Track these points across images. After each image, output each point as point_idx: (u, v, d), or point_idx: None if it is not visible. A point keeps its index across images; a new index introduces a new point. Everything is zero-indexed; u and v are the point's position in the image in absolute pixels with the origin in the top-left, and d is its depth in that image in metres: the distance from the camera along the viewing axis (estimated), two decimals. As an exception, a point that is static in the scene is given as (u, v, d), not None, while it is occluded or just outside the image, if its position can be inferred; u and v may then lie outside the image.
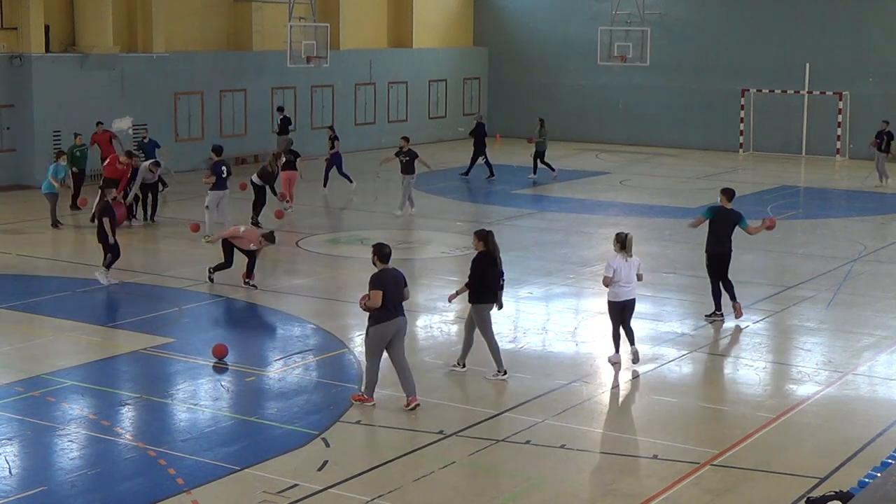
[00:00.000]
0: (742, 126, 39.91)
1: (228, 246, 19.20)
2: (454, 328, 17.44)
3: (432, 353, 15.96)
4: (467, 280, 14.56)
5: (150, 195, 25.33)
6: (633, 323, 15.41)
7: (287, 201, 26.71)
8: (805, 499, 10.74)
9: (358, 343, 16.34)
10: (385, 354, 13.40)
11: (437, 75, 42.83)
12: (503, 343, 16.85)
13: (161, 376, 14.76)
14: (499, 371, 14.67)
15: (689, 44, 40.97)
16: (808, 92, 38.91)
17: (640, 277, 15.21)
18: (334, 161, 29.95)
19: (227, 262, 19.29)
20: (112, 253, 19.40)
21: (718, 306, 17.58)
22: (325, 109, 38.37)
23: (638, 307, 15.55)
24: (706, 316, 17.73)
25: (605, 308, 15.38)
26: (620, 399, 14.22)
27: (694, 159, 38.10)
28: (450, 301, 15.18)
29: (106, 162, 25.24)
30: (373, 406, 13.46)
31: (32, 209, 26.74)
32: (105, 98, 31.69)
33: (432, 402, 13.75)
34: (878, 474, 10.47)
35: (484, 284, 14.34)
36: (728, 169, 35.86)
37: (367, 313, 13.18)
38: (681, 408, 13.75)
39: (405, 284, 13.37)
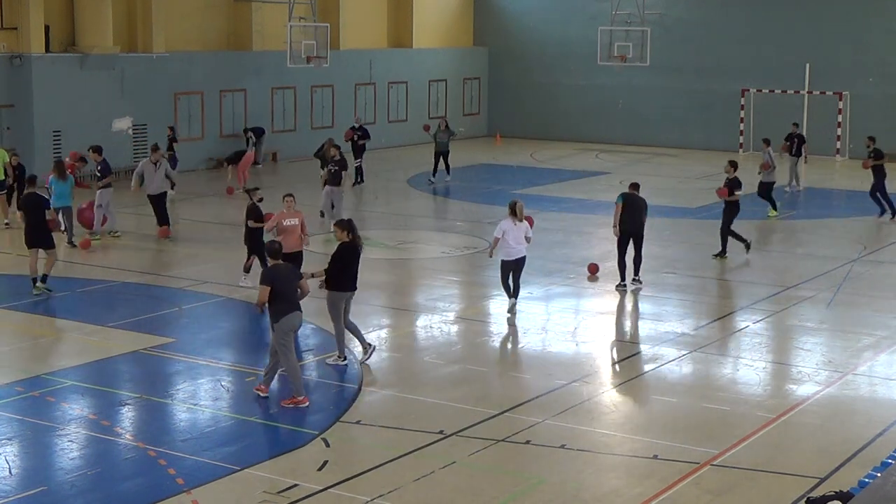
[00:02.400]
0: (742, 126, 39.91)
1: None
2: (454, 328, 17.44)
3: (432, 353, 15.96)
4: (327, 266, 14.81)
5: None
6: (635, 322, 15.45)
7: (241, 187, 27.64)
8: (805, 499, 10.74)
9: (358, 343, 16.35)
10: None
11: (437, 75, 42.84)
12: (503, 343, 16.86)
13: (161, 376, 14.76)
14: (339, 357, 15.04)
15: (689, 44, 40.97)
16: (808, 92, 38.91)
17: (528, 240, 17.32)
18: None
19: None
20: (257, 255, 18.65)
21: (624, 277, 19.37)
22: (325, 109, 38.37)
23: (638, 307, 15.61)
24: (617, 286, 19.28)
25: (605, 308, 15.47)
26: (620, 399, 14.22)
27: (694, 159, 38.09)
28: (311, 276, 15.01)
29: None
30: (307, 406, 13.41)
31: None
32: (105, 98, 31.69)
33: (432, 402, 13.75)
34: (878, 474, 10.47)
35: (344, 274, 14.66)
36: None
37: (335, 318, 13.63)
38: (681, 408, 13.75)
39: (299, 278, 13.66)
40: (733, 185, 21.44)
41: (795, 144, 30.83)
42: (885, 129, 37.90)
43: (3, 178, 25.10)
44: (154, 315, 17.78)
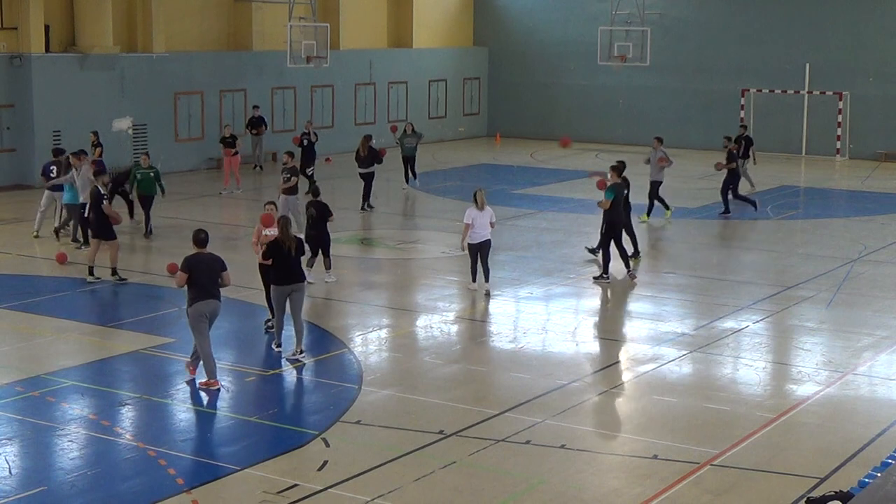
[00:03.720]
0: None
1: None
2: (454, 328, 17.45)
3: (432, 353, 15.96)
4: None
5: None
6: (635, 322, 15.49)
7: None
8: (805, 499, 10.74)
9: (358, 343, 16.36)
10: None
11: (437, 75, 42.83)
12: (503, 343, 16.86)
13: (161, 376, 14.76)
14: (277, 344, 15.59)
15: (689, 44, 40.97)
16: (808, 92, 38.90)
17: (492, 225, 19.03)
18: (99, 167, 26.18)
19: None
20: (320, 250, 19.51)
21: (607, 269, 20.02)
22: (325, 109, 38.37)
23: (638, 307, 15.69)
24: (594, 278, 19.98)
25: (605, 308, 15.44)
26: (620, 399, 14.22)
27: (694, 159, 38.06)
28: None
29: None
30: (217, 390, 13.86)
31: (32, 209, 26.75)
32: (105, 98, 31.69)
33: (432, 402, 13.75)
34: (878, 474, 10.47)
35: (276, 269, 15.20)
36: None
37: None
38: (681, 408, 13.75)
39: (223, 269, 14.05)
40: (731, 157, 25.42)
41: (743, 147, 30.39)
42: (885, 129, 38.05)
43: None
44: (154, 315, 17.78)
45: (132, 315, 17.73)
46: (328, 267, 19.64)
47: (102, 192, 19.83)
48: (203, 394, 14.09)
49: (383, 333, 17.13)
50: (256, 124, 33.92)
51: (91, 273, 19.56)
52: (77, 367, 15.07)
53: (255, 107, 34.57)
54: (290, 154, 24.19)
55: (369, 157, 27.28)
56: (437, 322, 17.69)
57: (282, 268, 15.19)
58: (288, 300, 15.24)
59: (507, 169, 35.42)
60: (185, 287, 13.92)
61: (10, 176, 30.20)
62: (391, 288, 20.11)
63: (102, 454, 12.13)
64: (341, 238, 24.10)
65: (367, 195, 27.29)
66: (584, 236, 24.94)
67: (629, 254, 20.61)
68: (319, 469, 11.58)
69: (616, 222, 19.98)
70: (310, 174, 28.96)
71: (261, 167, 34.13)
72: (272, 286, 15.37)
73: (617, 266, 20.09)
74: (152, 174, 24.05)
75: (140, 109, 32.50)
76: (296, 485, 11.15)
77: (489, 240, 19.09)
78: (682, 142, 40.93)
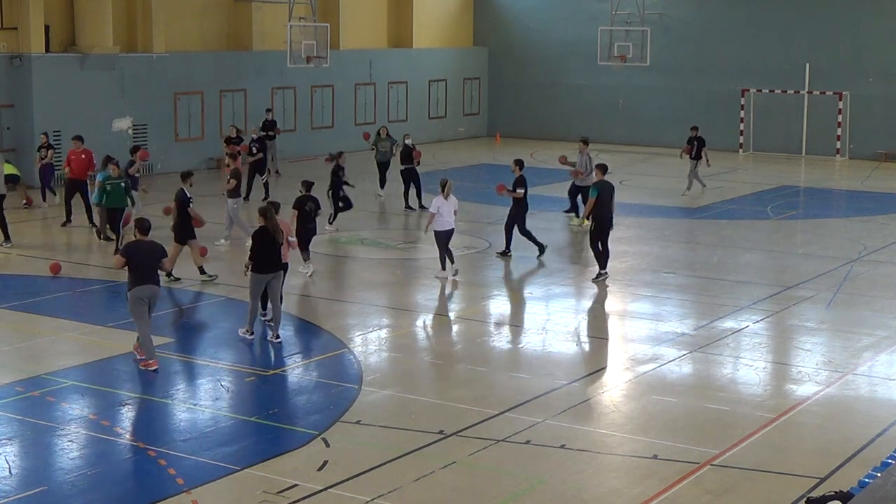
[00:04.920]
0: (742, 126, 39.90)
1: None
2: (454, 328, 17.45)
3: (432, 353, 15.96)
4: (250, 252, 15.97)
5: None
6: (635, 322, 15.51)
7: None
8: (805, 499, 10.74)
9: (358, 343, 16.35)
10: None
11: (437, 75, 42.84)
12: (503, 343, 16.87)
13: (161, 376, 14.76)
14: (247, 330, 16.17)
15: (689, 44, 40.97)
16: (808, 92, 38.90)
17: (455, 213, 20.12)
18: (46, 172, 27.07)
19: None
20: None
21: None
22: (325, 109, 38.38)
23: (638, 307, 15.67)
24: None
25: (605, 308, 15.45)
26: (620, 399, 14.21)
27: (694, 159, 38.06)
28: (245, 270, 16.15)
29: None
30: (155, 370, 14.59)
31: (32, 209, 26.76)
32: (105, 98, 31.68)
33: (432, 402, 13.76)
34: (878, 474, 10.47)
35: (259, 257, 15.76)
36: (728, 169, 35.84)
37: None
38: (681, 408, 13.75)
39: (163, 256, 14.86)
40: (517, 183, 21.67)
41: (696, 148, 30.18)
42: (885, 129, 38.04)
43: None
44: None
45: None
46: (307, 259, 20.35)
47: (188, 194, 19.84)
48: (203, 394, 14.10)
49: (383, 333, 17.13)
50: (270, 127, 32.17)
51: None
52: (77, 367, 15.06)
53: (268, 110, 33.60)
54: (234, 156, 23.56)
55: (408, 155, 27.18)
56: (437, 322, 17.69)
57: (265, 256, 15.72)
58: (267, 287, 15.89)
59: (508, 169, 35.33)
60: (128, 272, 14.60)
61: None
62: (391, 288, 20.12)
63: (102, 454, 12.12)
64: (341, 238, 24.11)
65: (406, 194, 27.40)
66: (585, 236, 24.93)
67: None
68: (319, 469, 11.58)
69: (605, 219, 20.02)
70: (264, 181, 27.94)
71: (277, 171, 32.43)
72: (252, 274, 15.83)
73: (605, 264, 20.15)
74: (123, 185, 21.82)
75: (140, 109, 32.50)
76: (296, 485, 11.15)
77: (454, 228, 20.13)
78: (682, 142, 40.79)
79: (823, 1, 39.01)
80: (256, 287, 15.93)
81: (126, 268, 14.64)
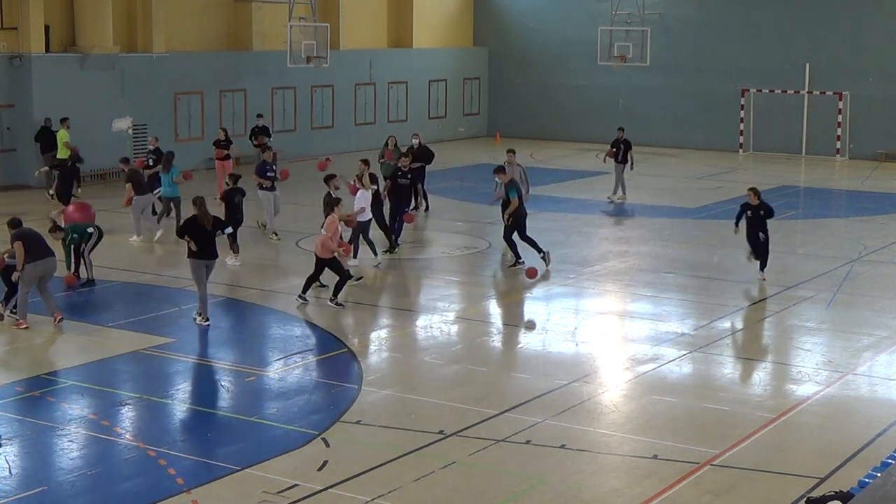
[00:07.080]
0: (742, 126, 39.90)
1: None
2: (454, 328, 17.45)
3: (433, 352, 15.96)
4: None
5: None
6: (635, 322, 15.51)
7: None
8: (805, 499, 10.74)
9: (358, 343, 16.36)
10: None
11: (437, 75, 42.83)
12: (503, 343, 16.87)
13: (161, 376, 14.76)
14: (200, 315, 16.98)
15: (689, 44, 40.97)
16: (808, 92, 38.91)
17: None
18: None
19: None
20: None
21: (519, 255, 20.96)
22: (325, 109, 38.37)
23: (638, 307, 15.69)
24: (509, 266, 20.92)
25: (605, 308, 15.47)
26: (620, 399, 14.21)
27: (694, 159, 38.10)
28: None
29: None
30: (26, 328, 16.30)
31: (32, 209, 26.74)
32: (105, 98, 31.68)
33: (432, 402, 13.76)
34: (878, 474, 10.47)
35: (198, 245, 16.74)
36: (728, 169, 35.86)
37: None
38: (681, 408, 13.75)
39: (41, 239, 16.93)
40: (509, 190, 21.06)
41: (621, 151, 28.69)
42: (885, 129, 38.04)
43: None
44: (154, 315, 17.77)
45: (132, 315, 17.72)
46: (236, 251, 21.08)
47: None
48: (203, 394, 14.09)
49: (383, 333, 17.13)
50: (260, 133, 30.98)
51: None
52: (77, 367, 15.07)
53: (259, 115, 32.71)
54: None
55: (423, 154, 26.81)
56: (437, 322, 17.70)
57: (201, 243, 16.72)
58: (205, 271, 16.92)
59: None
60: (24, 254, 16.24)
61: (11, 176, 30.19)
62: (391, 288, 20.12)
63: (102, 454, 12.13)
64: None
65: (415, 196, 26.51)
66: (585, 236, 24.96)
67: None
68: (319, 469, 11.58)
69: (523, 216, 20.96)
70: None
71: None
72: (190, 259, 16.93)
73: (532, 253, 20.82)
74: (91, 230, 19.57)
75: (140, 109, 32.49)
76: (296, 485, 11.15)
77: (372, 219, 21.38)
78: (682, 142, 40.97)
79: (823, 1, 39.02)
80: (199, 272, 16.90)
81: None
